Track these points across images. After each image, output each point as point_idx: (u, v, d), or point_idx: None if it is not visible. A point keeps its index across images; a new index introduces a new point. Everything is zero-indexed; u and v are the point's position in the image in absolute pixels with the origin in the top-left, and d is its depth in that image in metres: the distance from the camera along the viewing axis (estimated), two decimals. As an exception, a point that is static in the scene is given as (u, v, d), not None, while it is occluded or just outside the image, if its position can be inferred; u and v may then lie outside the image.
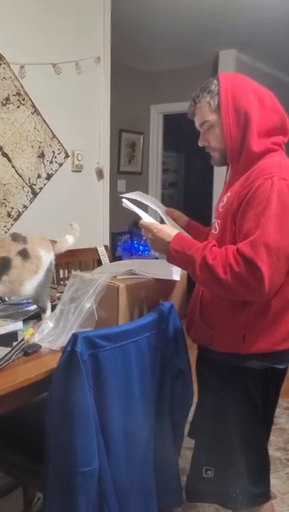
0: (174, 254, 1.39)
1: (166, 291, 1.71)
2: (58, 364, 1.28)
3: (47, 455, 1.29)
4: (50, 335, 1.52)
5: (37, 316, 1.73)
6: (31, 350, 1.41)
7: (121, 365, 1.37)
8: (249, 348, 1.41)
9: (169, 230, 1.43)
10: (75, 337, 1.26)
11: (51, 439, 1.29)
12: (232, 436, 1.49)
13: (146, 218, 1.53)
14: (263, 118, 1.38)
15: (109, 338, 1.33)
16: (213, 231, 1.54)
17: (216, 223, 1.51)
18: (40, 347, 1.45)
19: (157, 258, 5.04)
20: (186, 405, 1.63)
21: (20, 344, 1.42)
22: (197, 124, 1.52)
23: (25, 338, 1.51)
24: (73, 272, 1.70)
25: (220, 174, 4.58)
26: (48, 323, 1.57)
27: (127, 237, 4.98)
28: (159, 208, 1.74)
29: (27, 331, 1.56)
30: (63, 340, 1.44)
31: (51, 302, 1.82)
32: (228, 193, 1.45)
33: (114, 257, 4.69)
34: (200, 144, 1.54)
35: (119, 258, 4.73)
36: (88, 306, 1.50)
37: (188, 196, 6.97)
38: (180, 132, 6.29)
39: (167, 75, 4.96)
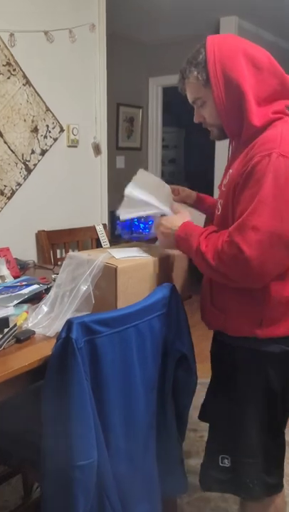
0: (179, 242, 1.39)
1: (167, 272, 1.61)
2: (52, 352, 1.20)
3: (43, 448, 1.22)
4: (45, 320, 1.43)
5: (31, 300, 1.65)
6: (24, 337, 1.32)
7: (120, 352, 1.29)
8: (267, 333, 1.34)
9: (176, 220, 1.43)
10: (69, 323, 1.17)
11: (47, 431, 1.21)
12: (250, 423, 1.42)
13: (157, 204, 1.51)
14: (260, 84, 1.26)
15: (106, 323, 1.24)
16: (216, 211, 1.46)
17: (218, 203, 1.43)
18: (33, 333, 1.36)
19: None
20: (190, 390, 1.56)
21: (12, 331, 1.33)
22: (190, 100, 1.42)
23: (18, 323, 1.42)
24: (69, 253, 1.60)
25: (222, 150, 4.41)
26: (43, 307, 1.48)
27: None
28: (163, 193, 1.61)
29: (20, 316, 1.47)
30: (58, 325, 1.35)
31: (46, 284, 1.73)
32: (231, 170, 1.36)
33: (113, 236, 4.58)
34: (195, 120, 1.45)
35: (119, 237, 4.62)
36: (84, 288, 1.41)
37: (189, 173, 6.82)
38: (180, 106, 6.10)
39: (166, 45, 4.77)
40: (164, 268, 1.59)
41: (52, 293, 1.50)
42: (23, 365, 1.18)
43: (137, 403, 1.37)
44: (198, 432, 2.51)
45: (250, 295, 1.33)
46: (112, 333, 1.25)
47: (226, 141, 1.49)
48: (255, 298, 1.33)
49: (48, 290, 1.64)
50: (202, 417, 1.64)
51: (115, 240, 4.54)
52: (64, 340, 1.17)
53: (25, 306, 1.56)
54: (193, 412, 1.63)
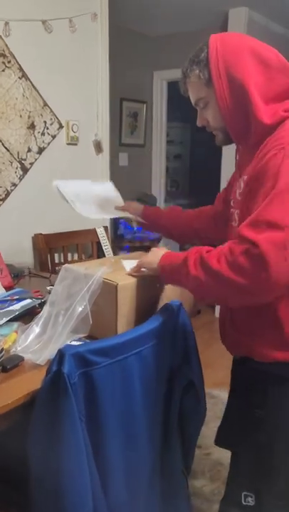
0: (166, 271, 1.23)
1: (173, 288, 1.44)
2: (41, 387, 1.04)
3: (32, 496, 1.06)
4: (36, 343, 1.27)
5: (23, 316, 1.49)
6: (11, 365, 1.17)
7: (120, 383, 1.13)
8: None
9: (153, 256, 1.30)
10: (61, 354, 1.02)
11: (35, 478, 1.05)
12: (281, 459, 1.26)
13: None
14: (268, 82, 1.16)
15: (105, 353, 1.08)
16: (232, 223, 1.30)
17: (235, 214, 1.28)
18: (22, 360, 1.21)
19: (162, 237, 4.78)
20: (198, 420, 1.40)
21: (-2, 357, 1.17)
22: (192, 101, 1.29)
23: (6, 346, 1.26)
24: (65, 266, 1.43)
25: (230, 147, 4.27)
26: (34, 327, 1.32)
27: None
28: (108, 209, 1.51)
29: (8, 337, 1.32)
30: (50, 351, 1.20)
31: (40, 299, 1.57)
32: (245, 177, 1.22)
33: (116, 236, 4.43)
34: (198, 124, 1.31)
35: (122, 237, 4.46)
36: (81, 309, 1.25)
37: (194, 169, 6.64)
38: (185, 101, 5.93)
39: (172, 38, 4.58)
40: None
41: (45, 311, 1.34)
42: (6, 402, 1.02)
43: (140, 439, 1.22)
44: (203, 449, 2.35)
45: (274, 314, 1.17)
46: (111, 363, 1.10)
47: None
48: (280, 317, 1.17)
49: (42, 305, 1.48)
50: (220, 442, 1.47)
51: (118, 240, 4.39)
52: (54, 375, 1.01)
53: (15, 325, 1.41)
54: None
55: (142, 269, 1.32)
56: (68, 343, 1.26)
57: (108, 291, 1.28)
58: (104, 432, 1.11)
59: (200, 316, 1.59)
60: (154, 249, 1.35)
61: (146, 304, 1.36)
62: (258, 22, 4.07)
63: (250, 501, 1.29)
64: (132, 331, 1.17)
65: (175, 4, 3.80)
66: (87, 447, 1.06)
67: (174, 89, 4.98)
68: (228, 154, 4.10)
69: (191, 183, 6.63)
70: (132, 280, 1.33)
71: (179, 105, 5.61)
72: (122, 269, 1.41)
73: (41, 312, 1.35)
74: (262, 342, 1.23)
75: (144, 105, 4.78)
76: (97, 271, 1.33)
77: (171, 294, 1.43)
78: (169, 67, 4.69)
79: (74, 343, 1.27)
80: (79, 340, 1.29)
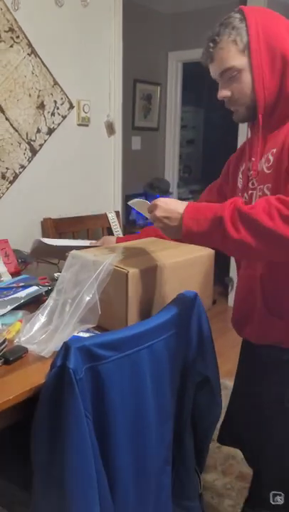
0: (192, 227, 1.01)
1: (189, 277, 1.36)
2: (45, 382, 0.96)
3: (33, 503, 0.99)
4: (41, 333, 1.20)
5: (28, 304, 1.41)
6: (14, 357, 1.09)
7: (130, 379, 1.05)
8: None
9: (176, 203, 1.07)
10: (66, 347, 0.94)
11: (39, 480, 0.98)
12: None
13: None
14: None
15: (114, 347, 1.00)
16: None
17: (264, 189, 1.15)
18: (26, 351, 1.13)
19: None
20: (213, 418, 1.32)
21: (1, 348, 1.09)
22: (216, 72, 1.19)
23: (9, 336, 1.19)
24: (72, 252, 1.35)
25: (244, 132, 4.12)
26: (39, 316, 1.24)
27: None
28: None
29: (12, 327, 1.24)
30: (56, 342, 1.12)
31: (47, 286, 1.49)
32: (274, 149, 1.14)
33: (127, 221, 4.34)
34: (220, 95, 1.21)
35: (133, 222, 4.37)
36: (88, 298, 1.17)
37: (208, 155, 6.50)
38: (200, 84, 5.79)
39: (188, 16, 4.42)
40: (186, 271, 1.34)
41: (51, 300, 1.26)
42: (7, 398, 0.95)
43: (150, 437, 1.14)
44: (215, 442, 2.29)
45: None
46: (120, 357, 1.01)
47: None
48: None
49: (49, 292, 1.41)
50: (226, 440, 1.41)
51: (129, 226, 4.30)
52: (59, 370, 0.93)
53: (19, 314, 1.33)
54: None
55: (159, 224, 1.09)
56: (75, 334, 1.18)
57: (118, 279, 1.20)
58: (112, 430, 1.03)
59: (213, 305, 1.50)
60: (163, 201, 1.09)
61: (160, 293, 1.28)
62: (279, 0, 3.90)
63: (280, 500, 1.22)
64: (143, 323, 1.09)
65: (192, -20, 3.65)
66: (94, 447, 0.98)
67: (189, 72, 4.84)
68: (244, 139, 3.99)
69: (203, 169, 6.49)
70: (144, 267, 1.24)
71: (193, 89, 5.49)
72: (136, 255, 1.32)
73: (47, 300, 1.27)
74: None
75: (158, 87, 4.64)
76: (106, 257, 1.25)
77: (187, 282, 1.35)
78: (184, 48, 4.54)
79: (81, 334, 1.20)
80: (87, 331, 1.22)
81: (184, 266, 1.33)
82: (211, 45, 1.15)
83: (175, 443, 1.26)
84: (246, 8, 1.15)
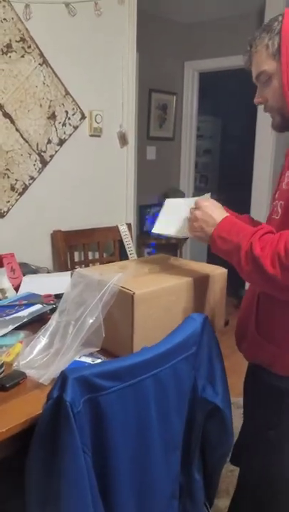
0: (218, 242, 1.09)
1: (200, 297, 1.28)
2: (41, 414, 0.89)
3: None
4: (42, 357, 1.13)
5: (31, 323, 1.36)
6: (11, 384, 1.03)
7: (133, 410, 0.98)
8: None
9: (218, 212, 1.13)
10: (63, 377, 0.87)
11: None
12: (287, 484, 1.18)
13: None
14: None
15: (115, 376, 0.93)
16: (274, 216, 1.15)
17: (278, 206, 1.13)
18: (24, 377, 1.07)
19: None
20: (224, 449, 1.24)
21: (-2, 373, 1.04)
22: (253, 76, 1.15)
23: (8, 360, 1.13)
24: (77, 270, 1.29)
25: (264, 143, 4.04)
26: (41, 337, 1.18)
27: (157, 210, 4.52)
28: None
29: (12, 349, 1.18)
30: (56, 368, 1.06)
31: (51, 304, 1.44)
32: None
33: (141, 232, 4.29)
34: (256, 101, 1.18)
35: (147, 233, 4.31)
36: (92, 321, 1.11)
37: (225, 165, 6.42)
38: (217, 93, 5.73)
39: (204, 25, 4.37)
40: (196, 292, 1.27)
41: (53, 321, 1.20)
42: (1, 430, 0.88)
43: (155, 471, 1.07)
44: (228, 466, 2.19)
45: None
46: (122, 388, 0.94)
47: (273, 135, 1.18)
48: None
49: (54, 311, 1.35)
50: (233, 460, 1.37)
51: (143, 237, 4.24)
52: (56, 402, 0.86)
53: (21, 334, 1.27)
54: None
55: (194, 231, 1.15)
56: (77, 358, 1.11)
57: (124, 300, 1.13)
58: (114, 466, 0.96)
59: (226, 326, 1.43)
60: (209, 205, 1.14)
61: (169, 315, 1.20)
62: (297, 8, 3.83)
63: None
64: (148, 350, 1.01)
65: (208, -11, 3.61)
66: (92, 484, 0.91)
67: (206, 81, 4.78)
68: (262, 151, 3.91)
69: (220, 179, 6.41)
70: (152, 288, 1.17)
71: (210, 98, 5.43)
72: (145, 275, 1.25)
73: (49, 321, 1.21)
74: (287, 352, 1.11)
75: (174, 97, 4.60)
76: (112, 277, 1.18)
77: (197, 303, 1.27)
78: (201, 58, 4.49)
79: (83, 358, 1.13)
80: (90, 355, 1.15)
81: (194, 286, 1.26)
82: (249, 48, 1.13)
83: (183, 475, 1.18)
84: (287, 10, 1.08)
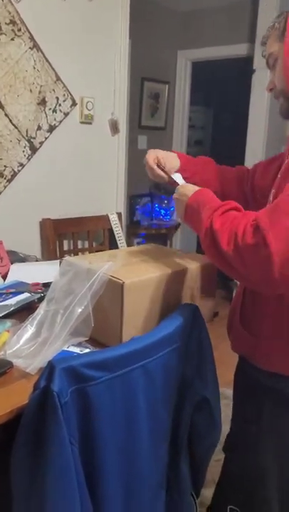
0: (188, 212, 1.12)
1: (190, 287, 1.27)
2: (27, 404, 0.88)
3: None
4: (29, 346, 1.11)
5: (19, 312, 1.33)
6: (-3, 373, 1.01)
7: (122, 401, 0.96)
8: None
9: (195, 186, 1.17)
10: (51, 367, 0.85)
11: None
12: (271, 477, 1.18)
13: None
14: None
15: (104, 366, 0.92)
16: (268, 204, 1.13)
17: (271, 194, 1.13)
18: (10, 366, 1.05)
19: (179, 224, 4.58)
20: (211, 441, 1.24)
21: (-17, 362, 1.01)
22: (266, 61, 1.16)
23: (-7, 349, 1.11)
24: (66, 258, 1.27)
25: (255, 133, 4.03)
26: (28, 326, 1.16)
27: (147, 200, 4.51)
28: None
29: (0, 337, 1.16)
30: (43, 357, 1.04)
31: (39, 293, 1.42)
32: None
33: (131, 222, 4.27)
34: (267, 88, 1.17)
35: (138, 223, 4.30)
36: (80, 310, 1.09)
37: (215, 156, 6.29)
38: (210, 83, 5.68)
39: (199, 13, 4.32)
40: (186, 282, 1.26)
41: (41, 309, 1.18)
42: (-15, 420, 0.86)
43: (143, 462, 1.06)
44: (213, 455, 2.20)
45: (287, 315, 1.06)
46: (111, 378, 0.93)
47: (265, 126, 1.16)
48: None
49: (42, 299, 1.32)
50: (224, 449, 1.36)
51: (133, 227, 4.22)
52: (42, 392, 0.85)
53: (8, 323, 1.25)
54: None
55: (175, 195, 1.20)
56: (65, 348, 1.10)
57: (113, 290, 1.12)
58: (101, 457, 0.95)
59: (215, 317, 1.42)
60: (190, 184, 1.21)
61: (159, 305, 1.19)
62: (292, -2, 3.80)
63: None
64: (137, 340, 1.00)
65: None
66: (79, 475, 0.90)
67: (198, 71, 4.74)
68: (253, 141, 3.89)
69: (211, 171, 6.38)
70: (142, 277, 1.15)
71: (202, 88, 5.39)
72: (135, 264, 1.24)
73: (37, 310, 1.18)
74: (266, 345, 1.11)
75: (167, 86, 4.55)
76: (101, 266, 1.16)
77: (187, 294, 1.26)
78: (194, 47, 4.44)
79: (72, 348, 1.12)
80: (78, 345, 1.14)
81: (184, 276, 1.24)
82: (264, 35, 1.14)
83: (170, 466, 1.18)
84: None
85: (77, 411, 0.89)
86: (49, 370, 0.85)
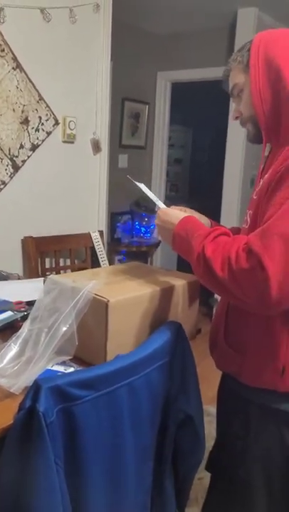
0: (177, 241, 1.12)
1: (174, 305, 1.29)
2: (12, 424, 0.87)
3: None
4: (13, 365, 1.10)
5: (2, 331, 1.33)
6: (-20, 393, 1.00)
7: (107, 419, 0.97)
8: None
9: (178, 213, 1.18)
10: (36, 387, 0.85)
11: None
12: (257, 495, 1.17)
13: (160, 205, 1.29)
14: None
15: (89, 385, 0.92)
16: (244, 225, 1.18)
17: (247, 215, 1.15)
18: (-6, 386, 1.04)
19: (160, 242, 4.62)
20: (195, 460, 1.24)
21: None
22: (229, 91, 1.22)
23: (-23, 369, 1.10)
24: (50, 276, 1.27)
25: (234, 153, 4.11)
26: (12, 345, 1.15)
27: (128, 218, 4.54)
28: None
29: (-17, 357, 1.15)
30: (28, 376, 1.04)
31: (22, 311, 1.41)
32: (266, 175, 1.09)
33: (112, 239, 4.28)
34: (232, 117, 1.24)
35: (118, 241, 4.31)
36: (65, 329, 1.09)
37: (195, 174, 6.50)
38: (188, 104, 5.80)
39: (177, 37, 4.43)
40: (170, 299, 1.27)
41: (25, 328, 1.18)
42: None
43: (128, 481, 1.06)
44: (197, 474, 2.19)
45: (277, 332, 1.07)
46: (96, 397, 0.93)
47: (243, 145, 1.21)
48: (282, 336, 1.07)
49: (25, 318, 1.32)
50: (208, 467, 1.35)
51: (114, 244, 4.23)
52: (28, 412, 0.84)
53: (-9, 342, 1.24)
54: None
55: (156, 221, 1.21)
56: (49, 367, 1.09)
57: (98, 308, 1.12)
58: (86, 477, 0.94)
59: (198, 334, 1.44)
60: (172, 210, 1.22)
61: (143, 323, 1.20)
62: (268, 24, 3.93)
63: None
64: (122, 358, 1.01)
65: (182, 1, 3.66)
66: (64, 496, 0.89)
67: (177, 91, 4.84)
68: (232, 161, 3.97)
69: (190, 188, 6.48)
70: (126, 296, 1.16)
71: (181, 108, 5.50)
72: (119, 282, 1.25)
73: (21, 329, 1.18)
74: (253, 362, 1.12)
75: (147, 106, 4.63)
76: (86, 284, 1.17)
77: (171, 311, 1.27)
78: (173, 68, 4.54)
79: (56, 367, 1.11)
80: (62, 364, 1.13)
81: (168, 294, 1.26)
82: (228, 68, 1.19)
83: (154, 486, 1.17)
84: (262, 32, 1.15)
85: (63, 431, 0.89)
86: (34, 390, 0.85)
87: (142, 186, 1.38)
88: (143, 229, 4.59)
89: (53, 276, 1.29)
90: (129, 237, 4.50)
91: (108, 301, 1.11)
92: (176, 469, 1.23)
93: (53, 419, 0.85)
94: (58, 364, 1.12)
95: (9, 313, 1.38)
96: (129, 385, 1.00)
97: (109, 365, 0.97)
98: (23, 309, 1.42)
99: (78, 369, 1.12)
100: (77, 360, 1.16)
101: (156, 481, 1.17)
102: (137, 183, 1.38)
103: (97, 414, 0.94)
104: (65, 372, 1.10)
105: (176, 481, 1.23)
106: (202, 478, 2.09)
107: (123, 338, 1.16)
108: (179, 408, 1.15)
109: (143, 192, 1.36)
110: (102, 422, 0.95)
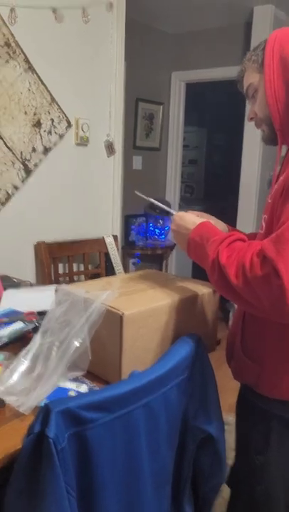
0: (192, 247, 1.10)
1: (192, 317, 1.22)
2: (20, 450, 0.81)
3: None
4: (23, 382, 1.05)
5: (13, 342, 1.27)
6: (-12, 413, 0.94)
7: (122, 443, 0.90)
8: None
9: (194, 218, 1.15)
10: (46, 410, 0.79)
11: None
12: (276, 507, 1.15)
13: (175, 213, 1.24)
14: None
15: (103, 407, 0.85)
16: (260, 230, 1.13)
17: (262, 219, 1.11)
18: (3, 405, 0.98)
19: (175, 245, 4.54)
20: (217, 481, 1.17)
21: (-27, 401, 0.95)
22: (244, 91, 1.20)
23: (-15, 386, 1.04)
24: (61, 287, 1.21)
25: (251, 153, 4.02)
26: (22, 360, 1.10)
27: (142, 220, 4.48)
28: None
29: (-9, 372, 1.09)
30: (38, 395, 0.98)
31: (33, 322, 1.35)
32: (281, 177, 1.06)
33: (126, 242, 4.22)
34: (248, 118, 1.20)
35: (133, 243, 4.25)
36: (77, 344, 1.03)
37: (210, 175, 6.41)
38: (203, 104, 5.72)
39: (192, 36, 4.36)
40: (189, 311, 1.20)
41: (36, 342, 1.12)
42: (-25, 469, 0.80)
43: (145, 506, 0.99)
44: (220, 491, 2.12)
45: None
46: (111, 420, 0.86)
47: (260, 145, 1.16)
48: None
49: (36, 329, 1.26)
50: (227, 481, 1.29)
51: (129, 247, 4.17)
52: (37, 437, 0.78)
53: (0, 356, 1.18)
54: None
55: (172, 226, 1.18)
56: (61, 385, 1.04)
57: (112, 321, 1.06)
58: (100, 505, 0.88)
59: (218, 346, 1.37)
60: (188, 214, 1.18)
61: (160, 336, 1.13)
62: (284, 21, 3.84)
63: None
64: (139, 376, 0.94)
65: (197, 0, 3.58)
66: (77, 526, 0.83)
67: (192, 92, 4.76)
68: (248, 161, 3.88)
69: (206, 189, 6.39)
70: (142, 308, 1.10)
71: (196, 108, 5.42)
72: (134, 293, 1.19)
73: (31, 342, 1.12)
74: (271, 372, 1.08)
75: (161, 107, 4.56)
76: (99, 295, 1.11)
77: (189, 323, 1.20)
78: (188, 68, 4.47)
79: (68, 384, 1.05)
80: (75, 380, 1.07)
81: (187, 305, 1.19)
82: (241, 71, 1.17)
83: (173, 509, 1.10)
84: (276, 30, 1.11)
85: (75, 457, 0.83)
86: (44, 414, 0.79)
87: (153, 200, 1.38)
88: (157, 231, 4.53)
89: (64, 287, 1.23)
90: (143, 240, 4.44)
91: (123, 313, 1.04)
92: (196, 492, 1.16)
93: (64, 444, 0.79)
94: (70, 380, 1.07)
95: (20, 324, 1.33)
96: (145, 405, 0.93)
97: (124, 385, 0.91)
98: (34, 320, 1.36)
99: (91, 386, 1.06)
100: (90, 375, 1.10)
101: (175, 506, 1.10)
102: (147, 198, 1.38)
103: (111, 438, 0.87)
104: (77, 389, 1.04)
105: (196, 504, 1.16)
106: (220, 491, 2.02)
107: (139, 353, 1.09)
108: (198, 427, 1.08)
109: (156, 195, 1.33)
110: (117, 446, 0.89)
